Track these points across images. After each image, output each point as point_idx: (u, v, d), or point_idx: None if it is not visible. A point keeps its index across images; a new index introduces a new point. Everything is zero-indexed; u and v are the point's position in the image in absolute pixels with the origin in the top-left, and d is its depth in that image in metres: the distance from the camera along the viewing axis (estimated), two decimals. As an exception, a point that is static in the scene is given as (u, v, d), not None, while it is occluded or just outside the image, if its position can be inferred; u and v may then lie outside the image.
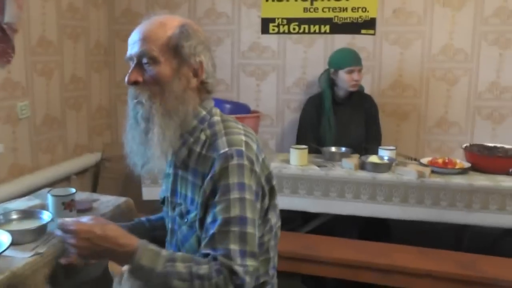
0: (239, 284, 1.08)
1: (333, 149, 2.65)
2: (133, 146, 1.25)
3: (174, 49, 1.20)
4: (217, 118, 1.27)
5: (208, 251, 1.12)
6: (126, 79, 1.22)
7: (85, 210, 1.70)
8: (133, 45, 1.22)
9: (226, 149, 1.16)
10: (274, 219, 1.32)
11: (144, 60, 1.20)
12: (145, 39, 1.20)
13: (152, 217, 1.52)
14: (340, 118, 2.84)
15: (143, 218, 1.51)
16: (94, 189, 3.38)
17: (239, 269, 1.08)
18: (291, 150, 2.41)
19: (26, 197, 1.75)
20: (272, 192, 1.28)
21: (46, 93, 2.88)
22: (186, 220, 1.25)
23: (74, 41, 3.12)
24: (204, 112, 1.26)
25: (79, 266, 1.28)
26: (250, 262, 1.11)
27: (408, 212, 2.32)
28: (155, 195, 2.49)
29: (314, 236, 2.41)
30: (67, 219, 1.18)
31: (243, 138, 1.20)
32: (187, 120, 1.23)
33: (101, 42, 3.45)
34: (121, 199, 1.86)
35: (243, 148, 1.17)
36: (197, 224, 1.21)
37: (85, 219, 1.18)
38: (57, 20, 2.94)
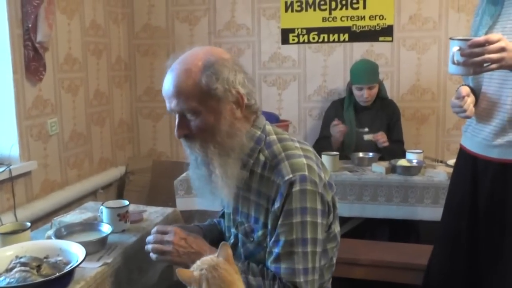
0: None
1: (360, 154, 2.69)
2: (200, 184, 1.32)
3: (208, 94, 1.20)
4: (273, 137, 1.30)
5: (274, 268, 1.23)
6: (176, 134, 1.26)
7: (138, 220, 1.74)
8: (170, 100, 1.24)
9: (290, 176, 1.21)
10: (338, 227, 1.37)
11: (187, 115, 1.24)
12: (179, 94, 1.21)
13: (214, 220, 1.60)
14: (362, 122, 2.89)
15: (215, 220, 1.58)
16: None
17: (302, 285, 1.20)
18: (323, 156, 2.45)
19: (77, 211, 1.77)
20: (334, 203, 1.32)
21: (73, 109, 2.93)
22: (252, 239, 1.31)
23: (97, 57, 3.18)
24: (259, 132, 1.29)
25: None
26: (311, 277, 1.22)
27: (440, 213, 2.35)
28: (189, 206, 2.55)
29: (349, 240, 2.44)
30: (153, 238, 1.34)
31: (304, 161, 1.24)
32: (244, 147, 1.26)
33: (122, 57, 3.49)
34: (168, 210, 1.89)
35: (306, 173, 1.21)
36: (266, 242, 1.27)
37: (169, 228, 1.33)
38: (81, 37, 2.99)
